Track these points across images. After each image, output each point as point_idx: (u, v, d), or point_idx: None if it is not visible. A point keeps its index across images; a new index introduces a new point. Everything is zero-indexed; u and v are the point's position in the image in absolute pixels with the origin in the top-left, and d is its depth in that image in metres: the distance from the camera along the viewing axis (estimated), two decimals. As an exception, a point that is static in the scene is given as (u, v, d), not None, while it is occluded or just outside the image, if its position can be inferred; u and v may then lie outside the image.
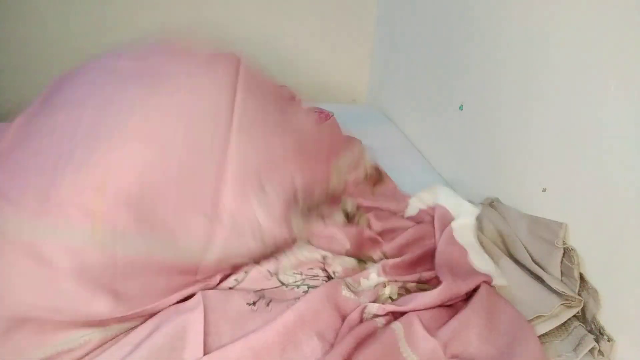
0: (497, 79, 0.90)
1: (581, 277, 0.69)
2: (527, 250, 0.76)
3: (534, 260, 0.74)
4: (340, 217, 0.86)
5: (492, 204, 0.90)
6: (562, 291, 0.67)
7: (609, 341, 0.64)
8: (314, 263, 0.73)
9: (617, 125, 0.63)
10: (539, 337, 0.65)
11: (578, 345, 0.64)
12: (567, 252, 0.71)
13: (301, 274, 0.72)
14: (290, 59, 1.54)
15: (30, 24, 1.36)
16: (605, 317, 0.66)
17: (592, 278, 0.68)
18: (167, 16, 1.41)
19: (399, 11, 1.37)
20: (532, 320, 0.65)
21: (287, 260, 0.72)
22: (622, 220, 0.63)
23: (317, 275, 0.72)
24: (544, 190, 0.78)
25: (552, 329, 0.66)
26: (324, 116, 1.21)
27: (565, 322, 0.66)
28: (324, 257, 0.73)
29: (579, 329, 0.66)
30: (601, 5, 0.65)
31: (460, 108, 1.02)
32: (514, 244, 0.79)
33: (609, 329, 0.65)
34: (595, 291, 0.67)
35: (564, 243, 0.72)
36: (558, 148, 0.74)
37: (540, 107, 0.78)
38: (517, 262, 0.76)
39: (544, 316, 0.65)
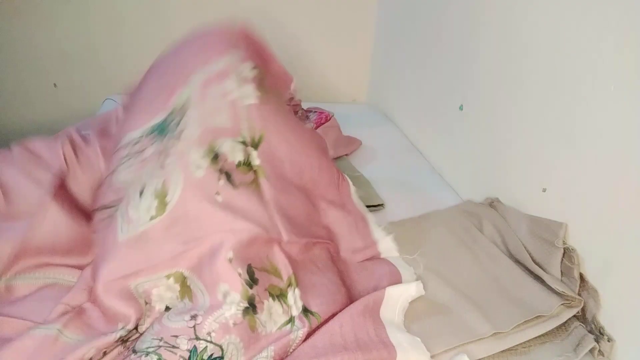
0: (498, 79, 0.90)
1: (581, 277, 0.69)
2: (527, 250, 0.76)
3: (534, 260, 0.74)
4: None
5: (492, 204, 0.90)
6: (562, 291, 0.67)
7: (609, 341, 0.64)
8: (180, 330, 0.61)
9: (617, 125, 0.64)
10: (539, 337, 0.65)
11: (578, 345, 0.64)
12: (567, 252, 0.71)
13: (161, 339, 0.61)
14: (290, 59, 1.53)
15: (32, 24, 1.36)
16: (605, 317, 0.66)
17: (592, 278, 0.68)
18: (169, 19, 1.41)
19: (399, 11, 1.37)
20: (532, 320, 0.65)
21: (150, 330, 0.63)
22: (622, 220, 0.63)
23: (176, 348, 0.59)
24: (544, 190, 0.78)
25: (552, 329, 0.66)
26: (324, 116, 1.21)
27: (565, 322, 0.66)
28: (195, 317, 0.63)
29: (579, 329, 0.66)
30: (601, 6, 0.65)
31: (460, 108, 1.03)
32: (514, 244, 0.79)
33: (609, 329, 0.65)
34: (595, 291, 0.67)
35: (564, 243, 0.72)
36: (558, 148, 0.75)
37: (541, 107, 0.78)
38: (517, 262, 0.77)
39: (544, 316, 0.65)
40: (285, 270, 0.68)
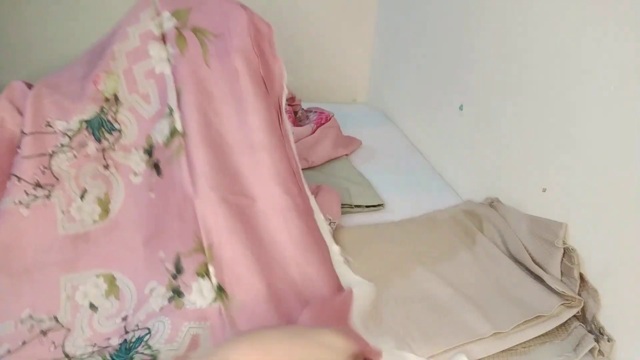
0: (497, 79, 0.90)
1: (581, 277, 0.69)
2: (527, 250, 0.76)
3: (534, 260, 0.74)
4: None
5: (492, 204, 0.90)
6: (562, 291, 0.67)
7: (609, 341, 0.64)
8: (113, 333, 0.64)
9: (617, 125, 0.64)
10: (539, 337, 0.65)
11: (578, 345, 0.64)
12: (567, 252, 0.71)
13: (94, 345, 0.63)
14: (290, 59, 1.53)
15: (32, 24, 1.36)
16: (605, 317, 0.66)
17: (592, 278, 0.68)
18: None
19: (399, 11, 1.37)
20: (532, 320, 0.65)
21: (80, 332, 0.64)
22: (622, 220, 0.63)
23: (108, 347, 0.62)
24: (544, 190, 0.78)
25: (552, 329, 0.66)
26: (324, 116, 1.21)
27: (565, 322, 0.66)
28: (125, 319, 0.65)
29: (579, 329, 0.66)
30: (601, 6, 0.65)
31: (460, 108, 1.03)
32: (514, 244, 0.79)
33: (609, 329, 0.65)
34: (595, 291, 0.67)
35: (564, 243, 0.72)
36: (558, 148, 0.75)
37: (541, 107, 0.78)
38: (517, 262, 0.77)
39: (544, 316, 0.65)
40: (206, 238, 0.66)
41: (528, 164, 0.82)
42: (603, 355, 0.64)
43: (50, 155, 0.72)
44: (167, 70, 0.75)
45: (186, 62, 0.75)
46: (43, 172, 0.71)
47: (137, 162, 0.75)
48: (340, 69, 1.61)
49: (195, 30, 0.77)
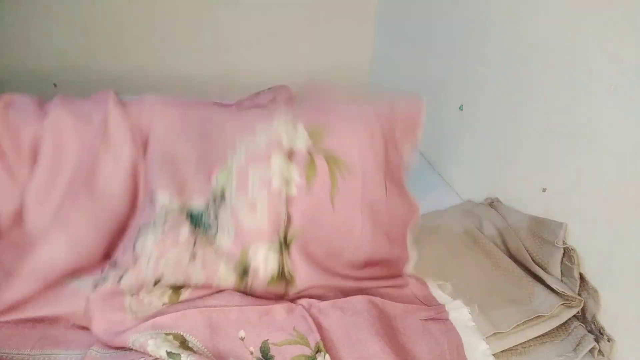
0: (498, 78, 0.90)
1: (581, 277, 0.69)
2: (527, 250, 0.76)
3: (534, 260, 0.74)
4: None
5: (492, 204, 0.90)
6: (562, 291, 0.67)
7: (609, 341, 0.64)
8: None
9: (617, 125, 0.64)
10: (539, 337, 0.65)
11: (578, 345, 0.64)
12: (567, 252, 0.71)
13: None
14: (290, 59, 1.54)
15: (32, 24, 1.36)
16: (605, 317, 0.66)
17: (592, 278, 0.68)
18: (170, 19, 1.41)
19: (399, 11, 1.37)
20: (532, 320, 0.65)
21: None
22: (622, 220, 0.63)
23: None
24: (544, 190, 0.78)
25: (552, 329, 0.66)
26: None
27: (565, 322, 0.67)
28: None
29: (579, 329, 0.66)
30: (602, 7, 0.65)
31: (460, 108, 1.03)
32: (514, 244, 0.79)
33: (609, 329, 0.65)
34: (595, 291, 0.67)
35: (564, 243, 0.72)
36: (558, 148, 0.74)
37: (541, 107, 0.78)
38: (517, 262, 0.77)
39: (544, 316, 0.65)
40: (312, 336, 0.61)
41: (528, 164, 0.82)
42: (603, 355, 0.64)
43: (138, 231, 0.64)
44: (284, 194, 0.69)
45: (310, 197, 0.69)
46: (124, 253, 0.63)
47: (225, 276, 0.67)
48: (341, 69, 1.61)
49: (329, 158, 0.70)
